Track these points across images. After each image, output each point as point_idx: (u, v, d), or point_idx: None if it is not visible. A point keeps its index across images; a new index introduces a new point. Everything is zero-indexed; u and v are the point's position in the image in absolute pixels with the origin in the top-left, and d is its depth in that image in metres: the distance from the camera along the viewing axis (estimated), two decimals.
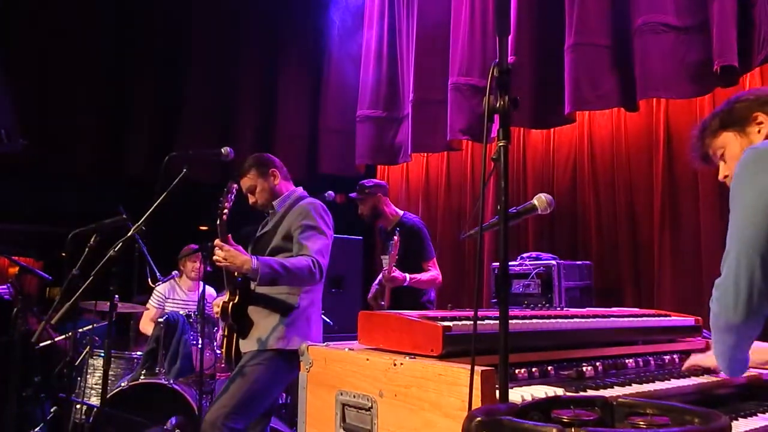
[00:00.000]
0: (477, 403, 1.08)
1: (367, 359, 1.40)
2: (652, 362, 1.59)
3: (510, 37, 1.22)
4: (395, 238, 2.99)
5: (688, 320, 1.85)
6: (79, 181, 4.96)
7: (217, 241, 2.20)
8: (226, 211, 2.27)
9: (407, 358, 1.31)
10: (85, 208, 3.52)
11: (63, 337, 3.49)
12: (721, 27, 2.95)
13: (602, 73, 3.47)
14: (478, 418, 0.79)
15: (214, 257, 2.20)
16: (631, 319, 1.73)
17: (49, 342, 3.47)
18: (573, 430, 0.71)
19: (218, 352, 3.30)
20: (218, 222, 2.25)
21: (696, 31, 3.10)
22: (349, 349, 1.51)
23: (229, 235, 2.25)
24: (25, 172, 4.71)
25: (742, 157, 1.29)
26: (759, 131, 1.41)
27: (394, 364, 1.31)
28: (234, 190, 2.34)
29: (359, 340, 1.54)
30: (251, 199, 2.51)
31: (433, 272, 3.22)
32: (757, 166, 1.24)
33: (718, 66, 2.95)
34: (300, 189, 2.55)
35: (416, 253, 3.20)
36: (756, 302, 1.18)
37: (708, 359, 1.54)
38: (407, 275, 3.07)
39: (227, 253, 2.15)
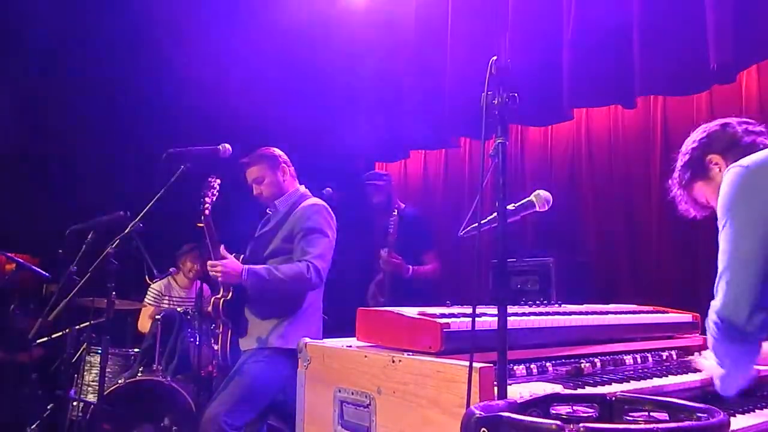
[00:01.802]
0: (475, 400, 1.08)
1: (366, 356, 1.40)
2: (650, 359, 1.60)
3: (508, 34, 1.21)
4: (394, 214, 3.01)
5: (686, 317, 1.85)
6: (76, 177, 4.94)
7: (211, 261, 2.20)
8: (208, 206, 2.25)
9: (405, 355, 1.31)
10: (83, 204, 3.50)
11: (60, 333, 3.48)
12: (718, 24, 2.95)
13: (600, 71, 3.47)
14: (477, 415, 0.79)
15: (210, 274, 2.21)
16: (628, 315, 1.74)
17: (45, 339, 3.46)
18: (572, 426, 0.71)
19: (215, 348, 3.29)
20: (202, 218, 2.23)
21: (693, 29, 3.10)
22: (347, 346, 1.51)
23: (222, 246, 2.24)
24: (22, 167, 4.68)
25: (728, 177, 1.31)
26: (719, 170, 1.46)
27: (393, 361, 1.31)
28: (216, 185, 2.32)
29: (357, 337, 1.54)
30: (256, 190, 2.47)
31: (433, 263, 3.23)
32: (748, 183, 1.26)
33: (714, 64, 2.95)
34: (303, 188, 2.54)
35: (417, 243, 3.20)
36: (762, 317, 1.18)
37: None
38: (410, 267, 3.07)
39: (221, 271, 2.15)
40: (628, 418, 0.82)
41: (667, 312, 1.88)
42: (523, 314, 1.53)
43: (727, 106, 3.32)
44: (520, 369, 1.33)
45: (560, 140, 4.14)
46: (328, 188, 2.79)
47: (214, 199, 2.30)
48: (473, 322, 1.14)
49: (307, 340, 1.63)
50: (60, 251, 2.84)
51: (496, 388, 1.08)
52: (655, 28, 3.24)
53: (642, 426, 0.80)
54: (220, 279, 2.20)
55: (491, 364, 1.11)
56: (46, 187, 4.81)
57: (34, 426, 3.34)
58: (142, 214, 2.25)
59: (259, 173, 2.44)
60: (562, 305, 1.79)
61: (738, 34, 2.90)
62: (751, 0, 2.90)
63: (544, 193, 1.49)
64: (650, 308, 1.93)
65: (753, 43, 2.90)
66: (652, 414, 0.82)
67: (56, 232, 2.92)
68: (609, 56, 3.45)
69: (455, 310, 1.53)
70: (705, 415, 0.78)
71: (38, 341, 3.36)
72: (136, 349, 3.42)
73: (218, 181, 2.33)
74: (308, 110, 5.23)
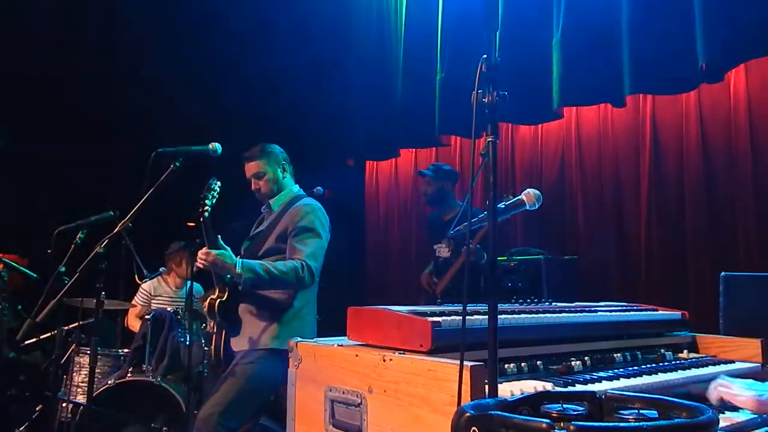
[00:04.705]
0: (466, 399, 1.08)
1: (356, 355, 1.40)
2: (640, 356, 1.61)
3: (498, 32, 1.21)
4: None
5: (675, 314, 1.87)
6: (66, 175, 4.88)
7: (203, 249, 2.18)
8: (207, 207, 2.24)
9: (396, 353, 1.31)
10: (72, 204, 3.46)
11: (48, 335, 3.44)
12: (706, 24, 2.98)
13: (589, 69, 3.49)
14: (468, 414, 0.79)
15: (198, 262, 2.18)
16: (618, 313, 1.75)
17: (34, 340, 3.42)
18: (562, 424, 0.71)
19: (206, 349, 3.27)
20: (201, 220, 2.22)
21: (682, 28, 3.12)
22: (338, 344, 1.50)
23: (218, 236, 2.23)
24: (10, 165, 4.62)
25: None
26: None
27: (383, 360, 1.31)
28: (217, 187, 2.30)
29: (348, 335, 1.54)
30: (255, 185, 2.46)
31: None
32: None
33: (703, 63, 2.98)
34: (297, 188, 2.53)
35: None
36: None
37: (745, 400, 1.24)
38: (485, 253, 3.02)
39: (212, 260, 2.13)
40: (617, 415, 0.83)
41: (656, 310, 1.90)
42: (514, 312, 1.54)
43: (715, 105, 3.36)
44: (510, 367, 1.33)
45: (550, 138, 4.16)
46: (318, 187, 2.77)
47: (214, 202, 2.28)
48: (464, 320, 1.14)
49: (298, 339, 1.62)
50: (48, 251, 2.80)
51: (486, 386, 1.08)
52: (645, 27, 3.26)
53: (632, 423, 0.80)
54: (208, 267, 2.17)
55: (482, 363, 1.11)
56: (34, 187, 4.75)
57: (22, 428, 3.30)
58: (131, 213, 2.22)
59: (260, 168, 2.43)
60: (552, 303, 1.80)
61: (726, 34, 2.93)
62: (738, 0, 2.93)
63: (534, 192, 1.50)
64: (639, 305, 1.94)
65: (741, 43, 2.93)
66: (641, 411, 0.82)
67: (45, 232, 2.89)
68: (598, 55, 3.48)
69: (446, 308, 1.53)
70: (694, 412, 0.79)
71: (26, 342, 3.32)
72: (125, 350, 3.39)
73: (219, 183, 2.31)
74: (298, 108, 5.21)
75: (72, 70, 4.89)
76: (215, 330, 2.37)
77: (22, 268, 3.43)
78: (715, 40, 2.95)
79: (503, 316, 1.44)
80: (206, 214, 2.23)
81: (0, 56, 4.53)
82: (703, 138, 3.38)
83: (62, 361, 3.27)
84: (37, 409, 3.34)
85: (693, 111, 3.43)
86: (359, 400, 1.35)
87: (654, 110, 3.60)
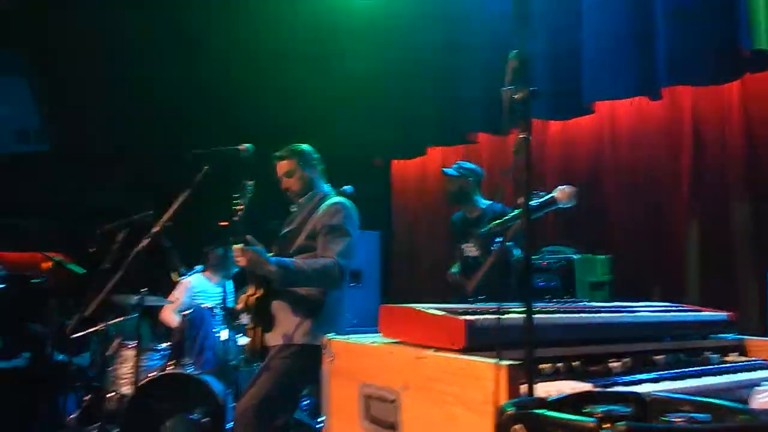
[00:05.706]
0: (503, 398, 1.08)
1: (391, 352, 1.41)
2: (683, 359, 1.55)
3: (528, 26, 1.19)
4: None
5: (721, 315, 1.79)
6: (107, 178, 5.08)
7: (238, 247, 2.24)
8: (241, 209, 2.30)
9: (431, 351, 1.31)
10: (114, 204, 3.62)
11: (95, 329, 3.61)
12: (750, 7, 2.82)
13: (622, 61, 3.36)
14: (511, 411, 0.78)
15: (235, 260, 2.26)
16: (660, 313, 1.69)
17: (82, 333, 3.59)
18: (610, 424, 0.69)
19: (241, 343, 3.36)
20: (235, 220, 2.29)
21: (723, 13, 2.97)
22: (372, 342, 1.52)
23: (248, 236, 2.29)
24: (56, 168, 4.83)
25: None
26: None
27: (418, 358, 1.32)
28: (250, 188, 2.36)
29: (381, 333, 1.55)
30: (285, 184, 2.52)
31: None
32: None
33: (748, 51, 2.83)
34: (327, 186, 2.57)
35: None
36: None
37: None
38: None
39: (248, 257, 2.19)
40: (664, 418, 0.80)
41: (701, 310, 1.82)
42: (550, 311, 1.51)
43: (761, 95, 3.20)
44: (546, 367, 1.31)
45: (582, 134, 4.05)
46: (346, 186, 2.80)
47: (247, 202, 2.35)
48: (499, 319, 1.13)
49: (332, 335, 1.65)
50: (92, 250, 2.94)
51: (521, 386, 1.07)
52: (682, 13, 3.11)
53: (685, 426, 0.77)
54: (245, 265, 2.24)
55: (517, 362, 1.10)
56: (78, 188, 4.96)
57: (73, 415, 3.48)
58: (169, 213, 2.31)
59: (290, 168, 2.49)
60: (588, 302, 1.76)
61: None
62: None
63: (569, 188, 1.47)
64: (683, 306, 1.87)
65: None
66: (692, 415, 0.79)
67: (90, 230, 3.03)
68: (632, 45, 3.34)
69: (479, 306, 1.53)
70: (751, 416, 0.75)
71: (75, 335, 3.50)
72: (166, 344, 3.52)
73: (252, 183, 2.37)
74: (325, 108, 5.25)
75: (113, 75, 5.07)
76: (251, 326, 2.44)
77: (69, 266, 3.60)
78: (759, 25, 2.79)
79: (539, 315, 1.41)
80: (240, 214, 2.30)
81: (46, 62, 4.74)
82: (748, 131, 3.22)
83: (107, 354, 3.43)
84: (86, 398, 3.51)
85: (736, 102, 3.28)
86: (393, 397, 1.36)
87: (694, 102, 3.46)
